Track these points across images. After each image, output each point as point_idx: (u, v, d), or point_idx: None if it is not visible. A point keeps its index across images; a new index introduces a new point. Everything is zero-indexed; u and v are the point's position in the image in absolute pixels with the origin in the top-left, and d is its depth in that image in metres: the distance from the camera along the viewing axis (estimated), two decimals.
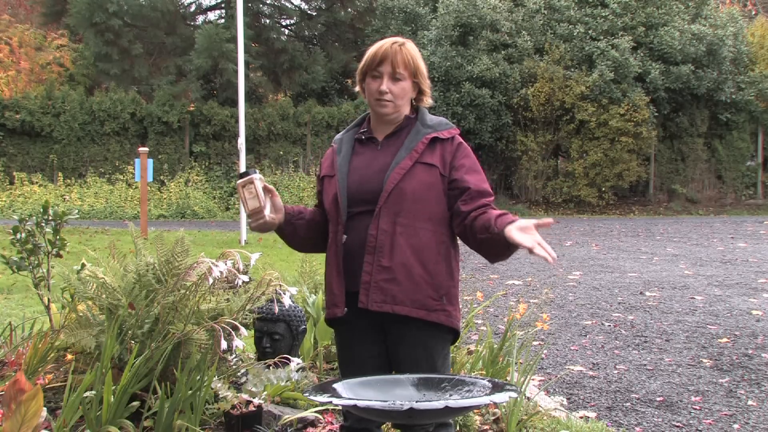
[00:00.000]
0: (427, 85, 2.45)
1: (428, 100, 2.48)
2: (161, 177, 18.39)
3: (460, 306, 2.47)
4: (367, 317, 2.35)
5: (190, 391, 2.86)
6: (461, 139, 2.44)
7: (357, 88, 2.53)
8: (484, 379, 1.99)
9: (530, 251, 2.05)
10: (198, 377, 2.89)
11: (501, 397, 1.79)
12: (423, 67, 2.42)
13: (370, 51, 2.40)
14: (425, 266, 2.33)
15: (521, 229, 2.11)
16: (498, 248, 2.23)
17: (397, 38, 2.43)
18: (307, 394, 1.86)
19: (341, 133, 2.54)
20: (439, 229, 2.35)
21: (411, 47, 2.40)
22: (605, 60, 18.45)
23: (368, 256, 2.31)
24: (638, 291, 7.67)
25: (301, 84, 20.01)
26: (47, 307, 3.62)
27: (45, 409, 2.52)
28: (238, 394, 3.10)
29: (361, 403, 1.74)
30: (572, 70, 18.98)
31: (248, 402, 3.06)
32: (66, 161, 18.54)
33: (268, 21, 21.18)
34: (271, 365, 3.49)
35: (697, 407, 4.02)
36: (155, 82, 19.26)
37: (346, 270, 2.35)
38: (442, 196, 2.35)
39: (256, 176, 2.38)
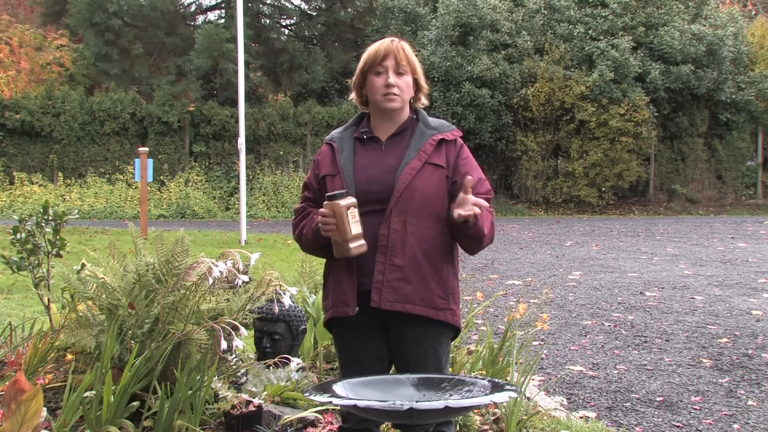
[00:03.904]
0: (424, 82, 2.47)
1: (424, 100, 2.50)
2: (161, 177, 18.38)
3: (461, 306, 2.48)
4: (371, 317, 2.35)
5: (190, 391, 2.87)
6: (462, 141, 2.48)
7: (352, 95, 2.51)
8: (484, 379, 1.99)
9: (474, 217, 2.21)
10: (198, 377, 2.89)
11: (501, 397, 1.79)
12: (419, 65, 2.46)
13: (370, 50, 2.42)
14: (433, 265, 2.35)
15: (459, 205, 2.23)
16: (460, 236, 2.36)
17: (392, 37, 2.46)
18: (307, 394, 1.86)
19: (337, 131, 2.52)
20: (443, 229, 2.37)
21: (407, 45, 2.45)
22: (605, 60, 18.44)
23: (380, 255, 2.31)
24: (638, 291, 7.67)
25: (301, 84, 20.00)
26: (47, 307, 3.62)
27: (45, 409, 2.52)
28: (238, 394, 3.10)
29: (361, 403, 1.74)
30: (572, 70, 18.97)
31: (248, 402, 3.06)
32: (66, 161, 18.53)
33: (268, 21, 21.14)
34: (271, 365, 3.49)
35: (697, 407, 4.02)
36: (155, 82, 19.24)
37: (356, 269, 2.35)
38: (447, 197, 2.38)
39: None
